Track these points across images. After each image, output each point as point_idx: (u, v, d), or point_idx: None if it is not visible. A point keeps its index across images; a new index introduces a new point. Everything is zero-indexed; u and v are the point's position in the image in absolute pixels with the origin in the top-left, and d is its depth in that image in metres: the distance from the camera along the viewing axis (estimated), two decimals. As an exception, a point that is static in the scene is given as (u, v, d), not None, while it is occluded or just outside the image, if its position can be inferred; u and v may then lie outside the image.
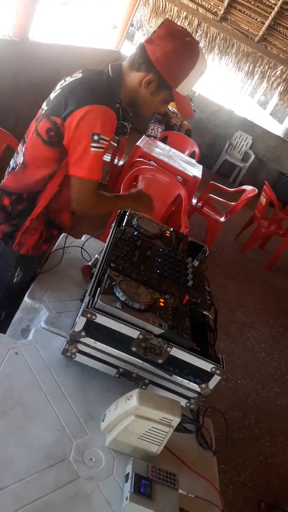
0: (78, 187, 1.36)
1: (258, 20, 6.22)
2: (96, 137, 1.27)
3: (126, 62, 1.38)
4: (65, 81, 1.41)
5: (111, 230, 1.58)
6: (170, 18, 6.27)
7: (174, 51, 1.29)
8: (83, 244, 1.76)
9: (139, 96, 1.38)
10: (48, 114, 1.36)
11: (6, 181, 1.48)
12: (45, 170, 1.39)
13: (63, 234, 1.82)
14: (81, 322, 1.15)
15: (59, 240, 1.78)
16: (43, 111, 1.39)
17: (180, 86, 1.34)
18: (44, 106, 1.40)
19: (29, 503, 0.89)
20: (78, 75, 1.39)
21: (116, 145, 4.02)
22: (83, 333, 1.17)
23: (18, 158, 1.45)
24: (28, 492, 0.91)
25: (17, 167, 1.44)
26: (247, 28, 6.43)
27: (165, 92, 1.37)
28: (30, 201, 1.44)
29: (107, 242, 1.51)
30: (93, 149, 1.28)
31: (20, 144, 1.48)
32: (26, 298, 1.43)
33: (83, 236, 1.86)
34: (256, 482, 2.39)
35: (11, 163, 1.50)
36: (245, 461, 2.49)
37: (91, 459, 1.04)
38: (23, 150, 1.43)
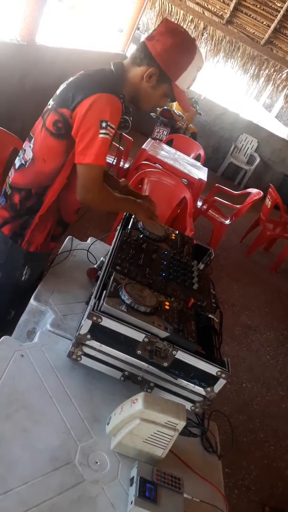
0: (86, 174, 1.35)
1: (264, 23, 6.22)
2: (104, 124, 1.29)
3: (127, 60, 1.43)
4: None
5: (117, 233, 1.58)
6: (176, 21, 6.28)
7: (173, 45, 1.35)
8: (89, 247, 1.77)
9: (140, 90, 1.42)
10: (55, 107, 1.38)
11: (15, 179, 1.50)
12: (53, 163, 1.41)
13: (68, 236, 1.83)
14: (86, 325, 1.15)
15: (65, 242, 1.79)
16: (50, 106, 1.42)
17: (179, 80, 1.39)
18: (51, 101, 1.43)
19: (34, 507, 0.89)
20: (80, 74, 1.42)
21: (121, 148, 4.04)
22: (88, 336, 1.17)
23: (27, 155, 1.47)
24: (32, 496, 0.91)
25: (27, 163, 1.46)
26: (253, 31, 6.43)
27: (165, 85, 1.41)
28: (38, 197, 1.46)
29: (112, 245, 1.52)
30: (101, 135, 1.30)
31: (26, 141, 1.50)
32: (32, 301, 1.44)
33: (89, 238, 1.87)
34: (260, 486, 2.38)
35: (17, 161, 1.52)
36: (250, 465, 2.47)
37: (96, 462, 1.04)
38: (32, 146, 1.45)
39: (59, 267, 1.64)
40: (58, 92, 1.41)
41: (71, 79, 1.42)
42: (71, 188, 1.45)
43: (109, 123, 1.30)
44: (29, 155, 1.46)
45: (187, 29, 1.48)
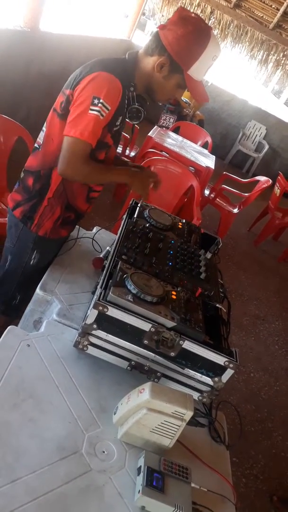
0: (69, 147, 1.34)
1: (273, 6, 6.07)
2: (96, 101, 1.28)
3: (141, 50, 1.42)
4: None
5: (123, 222, 1.57)
6: (182, 6, 6.16)
7: (184, 34, 1.32)
8: (94, 236, 1.75)
9: (153, 81, 1.41)
10: (63, 89, 1.41)
11: (29, 162, 1.53)
12: (57, 143, 1.41)
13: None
14: (92, 314, 1.14)
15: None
16: (61, 90, 1.43)
17: (191, 69, 1.36)
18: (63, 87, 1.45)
19: (42, 495, 0.89)
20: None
21: (127, 136, 3.99)
22: (94, 326, 1.16)
23: (40, 138, 1.50)
24: (40, 484, 0.91)
25: (40, 147, 1.49)
26: (261, 15, 6.28)
27: (177, 75, 1.38)
28: (46, 178, 1.48)
29: (118, 234, 1.50)
30: (91, 112, 1.29)
31: (43, 127, 1.51)
32: (38, 290, 1.43)
33: (94, 228, 1.85)
34: (268, 475, 2.38)
35: (35, 144, 1.54)
36: (258, 454, 2.48)
37: (103, 451, 1.04)
38: (44, 129, 1.48)
39: (65, 256, 1.63)
40: (69, 77, 1.42)
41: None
42: None
43: (102, 101, 1.28)
44: (41, 138, 1.49)
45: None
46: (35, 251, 1.59)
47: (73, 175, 1.39)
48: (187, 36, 1.32)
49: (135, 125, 1.52)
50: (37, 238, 1.56)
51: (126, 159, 1.79)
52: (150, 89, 1.44)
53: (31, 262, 1.60)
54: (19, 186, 1.55)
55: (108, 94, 1.29)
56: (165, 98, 1.47)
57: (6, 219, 1.64)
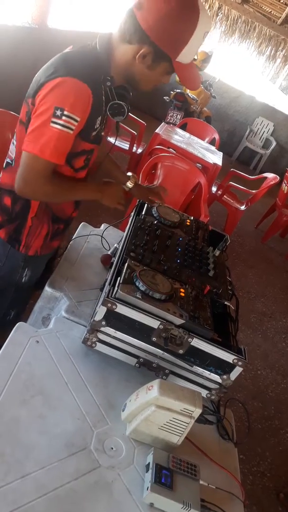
0: (27, 164, 1.17)
1: (281, 1, 6.01)
2: (58, 112, 1.10)
3: (116, 32, 1.18)
4: None
5: (130, 219, 1.56)
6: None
7: (168, 14, 1.07)
8: (103, 233, 1.75)
9: (134, 71, 1.20)
10: (26, 97, 1.24)
11: (3, 179, 1.37)
12: None
13: (82, 223, 1.81)
14: (101, 311, 1.14)
15: (78, 228, 1.78)
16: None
17: (180, 55, 1.13)
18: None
19: (51, 491, 0.90)
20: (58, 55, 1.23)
21: (135, 132, 3.98)
22: (103, 323, 1.16)
23: (11, 152, 1.34)
24: (49, 480, 0.91)
25: (13, 162, 1.33)
26: (269, 10, 6.23)
27: (164, 64, 1.17)
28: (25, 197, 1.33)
29: (126, 231, 1.50)
30: (53, 125, 1.11)
31: (12, 139, 1.36)
32: (46, 287, 1.43)
33: (102, 225, 1.85)
34: (275, 473, 2.38)
35: (6, 158, 1.38)
36: (265, 452, 2.47)
37: (112, 448, 1.04)
38: (14, 142, 1.33)
39: (73, 253, 1.64)
40: (32, 82, 1.24)
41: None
42: None
43: (66, 112, 1.10)
44: (13, 152, 1.33)
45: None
46: (26, 269, 1.48)
47: (33, 195, 1.25)
48: (172, 18, 1.07)
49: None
50: (27, 258, 1.44)
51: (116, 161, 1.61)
52: (131, 80, 1.23)
53: (23, 280, 1.50)
54: None
55: (75, 105, 1.11)
56: (151, 87, 1.26)
57: None
